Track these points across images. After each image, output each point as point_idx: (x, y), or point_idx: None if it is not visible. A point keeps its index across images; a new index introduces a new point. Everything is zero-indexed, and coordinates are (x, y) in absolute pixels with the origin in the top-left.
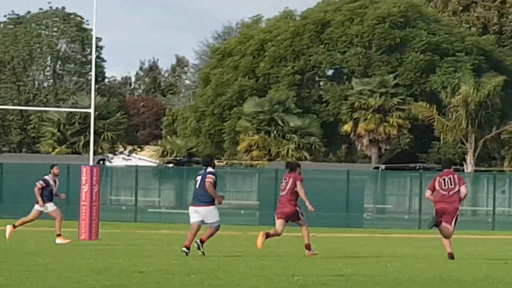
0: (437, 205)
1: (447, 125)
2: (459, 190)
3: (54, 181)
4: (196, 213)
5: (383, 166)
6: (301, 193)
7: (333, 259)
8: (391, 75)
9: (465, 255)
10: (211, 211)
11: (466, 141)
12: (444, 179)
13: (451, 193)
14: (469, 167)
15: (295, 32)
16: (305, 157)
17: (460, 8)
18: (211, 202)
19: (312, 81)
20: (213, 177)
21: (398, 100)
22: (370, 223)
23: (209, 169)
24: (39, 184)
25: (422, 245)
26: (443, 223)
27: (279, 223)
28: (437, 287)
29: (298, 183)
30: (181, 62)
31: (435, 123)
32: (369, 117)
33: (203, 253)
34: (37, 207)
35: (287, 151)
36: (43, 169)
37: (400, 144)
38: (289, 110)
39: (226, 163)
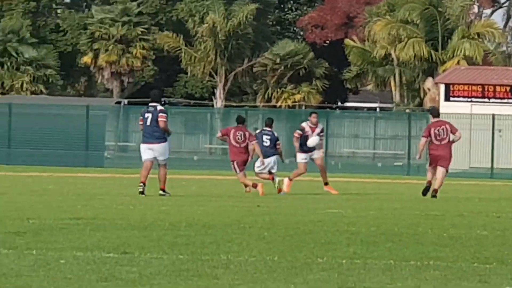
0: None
1: (194, 57)
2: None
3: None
4: (151, 151)
5: (126, 101)
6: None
7: (71, 201)
8: (134, 3)
9: (214, 197)
10: (165, 148)
11: (216, 74)
12: (438, 130)
13: (443, 142)
14: (218, 102)
15: None
16: (41, 90)
17: None
18: (165, 139)
19: (48, 8)
20: (166, 115)
21: (142, 29)
22: (112, 162)
23: (160, 106)
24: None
25: (168, 187)
26: None
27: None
28: (183, 232)
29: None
30: None
31: (182, 54)
32: (110, 48)
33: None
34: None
35: (22, 84)
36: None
37: (144, 77)
38: (23, 40)
39: None
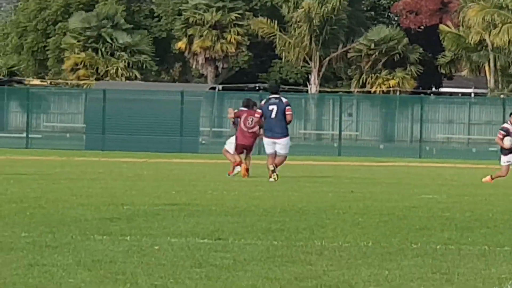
0: None
1: (289, 42)
2: None
3: None
4: (275, 145)
5: (220, 87)
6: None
7: (166, 187)
8: None
9: (308, 183)
10: (288, 142)
11: (310, 59)
12: None
13: None
14: (313, 87)
15: None
16: (136, 76)
17: None
18: (288, 133)
19: None
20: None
21: (236, 15)
22: (206, 148)
23: (283, 98)
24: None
25: (261, 172)
26: None
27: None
28: (277, 218)
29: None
30: None
31: (276, 40)
32: (205, 33)
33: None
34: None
35: (116, 70)
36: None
37: (238, 62)
38: (118, 25)
39: (51, 83)
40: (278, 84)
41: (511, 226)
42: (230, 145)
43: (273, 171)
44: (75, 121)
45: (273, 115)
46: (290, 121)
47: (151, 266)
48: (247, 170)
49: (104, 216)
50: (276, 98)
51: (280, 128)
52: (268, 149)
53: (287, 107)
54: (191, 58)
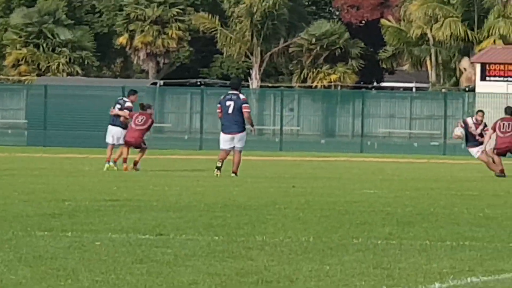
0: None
1: (230, 37)
2: None
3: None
4: (232, 141)
5: (162, 82)
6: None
7: (107, 182)
8: None
9: (249, 178)
10: (244, 136)
11: (251, 54)
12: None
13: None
14: (254, 82)
15: None
16: (77, 72)
17: None
18: (244, 128)
19: None
20: (249, 105)
21: (177, 10)
22: (148, 143)
23: (241, 95)
24: None
25: (203, 167)
26: None
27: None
28: (218, 213)
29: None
30: None
31: (218, 35)
32: (146, 29)
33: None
34: None
35: (58, 65)
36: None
37: (179, 57)
38: (59, 21)
39: None
40: (239, 81)
41: (452, 221)
42: (108, 136)
43: (219, 169)
44: (16, 117)
45: (230, 111)
46: (248, 118)
47: (92, 262)
48: (135, 163)
49: (45, 212)
50: (234, 94)
51: (237, 124)
52: (224, 145)
53: (244, 105)
54: (133, 54)
